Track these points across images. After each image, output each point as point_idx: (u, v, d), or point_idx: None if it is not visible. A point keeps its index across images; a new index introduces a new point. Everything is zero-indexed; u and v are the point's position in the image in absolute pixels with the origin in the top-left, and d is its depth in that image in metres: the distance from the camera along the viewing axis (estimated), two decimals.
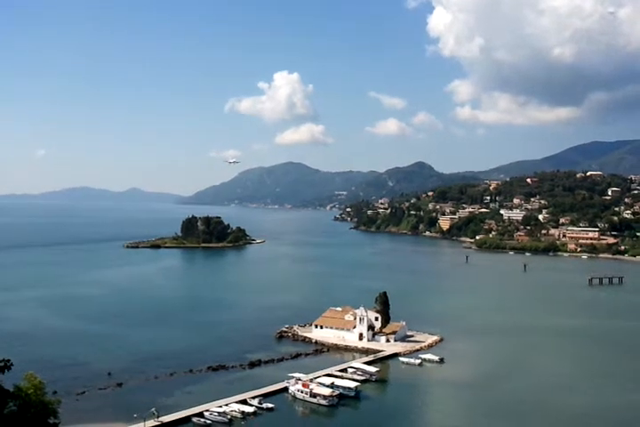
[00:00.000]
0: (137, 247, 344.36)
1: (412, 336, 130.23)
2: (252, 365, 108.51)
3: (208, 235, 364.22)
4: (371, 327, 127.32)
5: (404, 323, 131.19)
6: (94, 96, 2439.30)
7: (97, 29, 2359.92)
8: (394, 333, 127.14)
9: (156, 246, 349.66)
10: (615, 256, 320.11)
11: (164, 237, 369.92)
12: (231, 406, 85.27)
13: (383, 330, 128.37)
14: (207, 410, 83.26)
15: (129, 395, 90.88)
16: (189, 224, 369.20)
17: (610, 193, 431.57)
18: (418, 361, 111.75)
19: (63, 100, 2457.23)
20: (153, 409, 79.54)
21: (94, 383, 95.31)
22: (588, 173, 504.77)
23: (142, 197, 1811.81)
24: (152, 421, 78.63)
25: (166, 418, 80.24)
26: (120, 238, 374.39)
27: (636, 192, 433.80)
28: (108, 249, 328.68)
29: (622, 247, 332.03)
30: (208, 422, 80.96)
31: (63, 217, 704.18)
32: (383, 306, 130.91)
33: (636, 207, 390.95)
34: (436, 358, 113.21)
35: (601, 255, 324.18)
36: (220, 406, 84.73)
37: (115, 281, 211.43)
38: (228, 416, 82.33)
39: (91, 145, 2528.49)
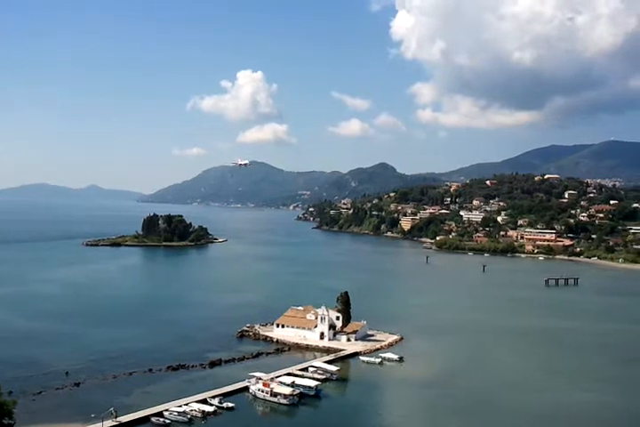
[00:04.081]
0: (97, 245, 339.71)
1: (372, 335, 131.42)
2: (213, 364, 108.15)
3: (170, 233, 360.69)
4: (332, 327, 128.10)
5: (364, 322, 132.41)
6: (51, 92, 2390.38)
7: (59, 27, 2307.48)
8: (355, 332, 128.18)
9: (116, 244, 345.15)
10: (571, 258, 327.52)
11: (125, 236, 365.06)
12: (191, 405, 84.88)
13: (344, 329, 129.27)
14: (167, 410, 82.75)
15: (87, 395, 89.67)
16: (151, 222, 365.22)
17: (567, 196, 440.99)
18: (378, 360, 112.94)
19: (19, 95, 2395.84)
20: (111, 409, 78.75)
21: (51, 383, 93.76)
22: (546, 177, 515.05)
23: (102, 195, 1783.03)
24: (110, 421, 77.83)
25: (125, 418, 79.46)
26: (79, 236, 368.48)
27: (591, 195, 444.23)
28: (66, 247, 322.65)
29: (578, 249, 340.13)
30: (167, 421, 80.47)
31: (20, 214, 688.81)
32: (344, 305, 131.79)
33: (592, 210, 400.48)
34: (395, 356, 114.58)
35: (557, 257, 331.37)
36: (180, 406, 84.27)
37: (73, 279, 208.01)
38: (188, 416, 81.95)
39: (48, 141, 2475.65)
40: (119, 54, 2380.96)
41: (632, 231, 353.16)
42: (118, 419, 78.66)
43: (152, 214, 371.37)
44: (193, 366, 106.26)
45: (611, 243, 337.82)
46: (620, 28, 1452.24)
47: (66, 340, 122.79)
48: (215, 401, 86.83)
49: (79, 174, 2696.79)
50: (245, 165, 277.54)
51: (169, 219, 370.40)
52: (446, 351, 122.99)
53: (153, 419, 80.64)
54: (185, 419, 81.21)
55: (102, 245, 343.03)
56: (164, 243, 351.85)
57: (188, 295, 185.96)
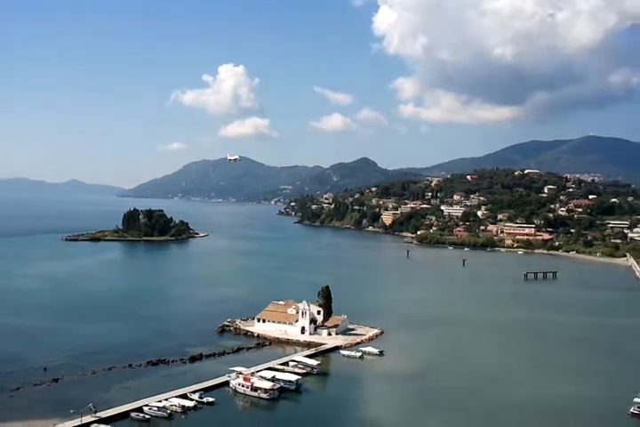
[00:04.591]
0: (76, 240, 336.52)
1: (353, 329, 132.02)
2: (193, 359, 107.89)
3: (150, 228, 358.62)
4: (313, 321, 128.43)
5: (345, 316, 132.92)
6: (31, 83, 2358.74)
7: (40, 22, 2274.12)
8: (335, 326, 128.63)
9: (96, 239, 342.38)
10: (550, 252, 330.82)
11: (105, 230, 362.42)
12: (171, 400, 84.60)
13: (325, 324, 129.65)
14: (147, 405, 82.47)
15: (65, 390, 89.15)
16: (131, 217, 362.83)
17: (546, 191, 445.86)
18: (358, 354, 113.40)
19: None
20: (90, 404, 78.28)
21: (29, 379, 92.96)
22: (526, 171, 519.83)
23: (82, 190, 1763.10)
24: (89, 416, 77.38)
25: (104, 413, 79.01)
26: (59, 231, 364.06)
27: (570, 190, 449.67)
28: (45, 242, 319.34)
29: (557, 243, 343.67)
30: (147, 416, 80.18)
31: None
32: (326, 300, 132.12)
33: (571, 205, 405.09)
34: (376, 350, 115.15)
35: (536, 251, 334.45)
36: (160, 401, 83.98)
37: (53, 274, 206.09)
38: (168, 411, 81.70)
39: (27, 134, 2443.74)
40: (101, 48, 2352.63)
41: (610, 226, 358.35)
42: (97, 414, 78.22)
43: (132, 209, 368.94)
44: (173, 361, 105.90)
45: (589, 237, 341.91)
46: (600, 24, 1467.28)
47: (45, 335, 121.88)
48: (195, 396, 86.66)
49: (59, 169, 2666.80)
50: (235, 160, 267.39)
51: (149, 213, 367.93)
52: (426, 345, 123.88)
53: (133, 414, 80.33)
54: (165, 414, 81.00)
55: (82, 239, 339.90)
56: (145, 238, 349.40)
57: (169, 290, 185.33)
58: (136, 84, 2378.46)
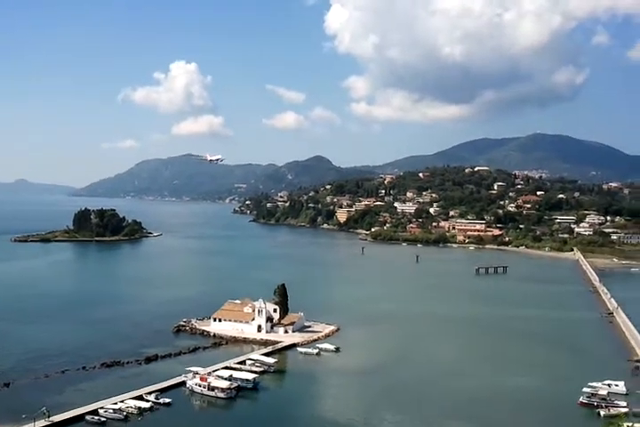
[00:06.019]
0: (26, 241, 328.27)
1: (309, 327, 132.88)
2: (149, 360, 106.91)
3: (102, 228, 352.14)
4: (269, 319, 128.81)
5: (301, 314, 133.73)
6: None
7: None
8: (292, 324, 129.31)
9: (46, 240, 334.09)
10: (500, 247, 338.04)
11: (55, 231, 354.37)
12: (127, 402, 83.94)
13: (281, 321, 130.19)
14: (102, 407, 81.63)
15: (17, 395, 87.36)
16: (82, 217, 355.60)
17: (496, 188, 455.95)
18: (315, 351, 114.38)
19: None
20: (43, 409, 76.93)
21: None
22: (476, 169, 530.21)
23: (32, 189, 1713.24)
24: (43, 421, 76.12)
25: (58, 417, 77.93)
26: (7, 232, 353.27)
27: (519, 187, 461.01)
28: None
29: (506, 239, 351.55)
30: (103, 419, 79.41)
31: None
32: (282, 298, 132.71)
33: (520, 201, 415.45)
34: (332, 347, 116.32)
35: (487, 246, 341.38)
36: (116, 403, 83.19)
37: (2, 276, 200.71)
38: (124, 413, 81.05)
39: None
40: (49, 42, 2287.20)
41: (557, 221, 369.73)
42: (51, 419, 77.04)
43: (83, 209, 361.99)
44: (128, 363, 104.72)
45: (537, 232, 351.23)
46: (545, 24, 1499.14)
47: None
48: (151, 397, 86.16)
49: (6, 168, 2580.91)
50: (218, 160, 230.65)
51: (101, 213, 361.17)
52: (381, 340, 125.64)
53: (88, 417, 79.41)
54: (121, 416, 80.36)
55: (32, 240, 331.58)
56: (97, 238, 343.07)
57: (122, 291, 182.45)
58: (85, 81, 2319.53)
